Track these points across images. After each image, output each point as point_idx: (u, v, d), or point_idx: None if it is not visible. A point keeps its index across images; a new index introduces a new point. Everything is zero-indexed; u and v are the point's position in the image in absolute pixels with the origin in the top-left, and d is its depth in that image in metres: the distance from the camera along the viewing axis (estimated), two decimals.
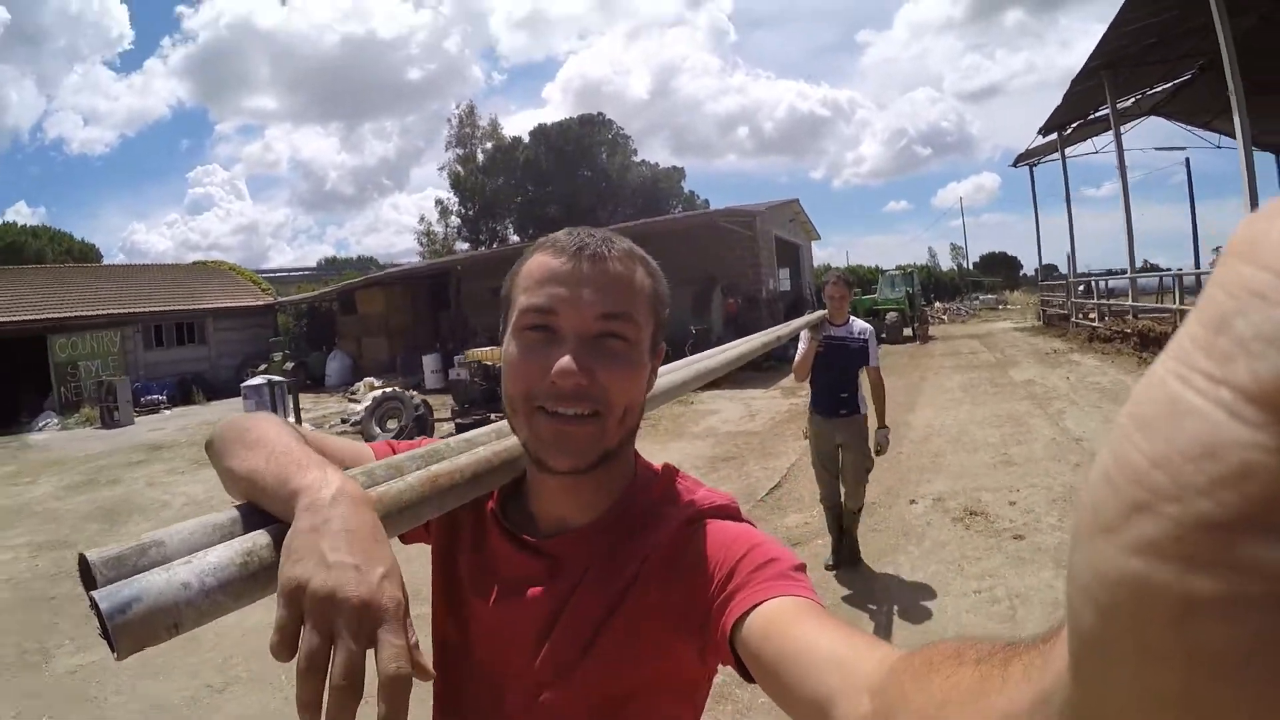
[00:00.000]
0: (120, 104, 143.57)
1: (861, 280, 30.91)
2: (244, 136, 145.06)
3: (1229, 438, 0.15)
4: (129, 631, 0.48)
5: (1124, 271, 14.64)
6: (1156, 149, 20.38)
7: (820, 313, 4.10)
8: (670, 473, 0.83)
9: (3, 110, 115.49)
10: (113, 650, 0.48)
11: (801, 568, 0.68)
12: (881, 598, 3.75)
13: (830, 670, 0.50)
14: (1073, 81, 13.56)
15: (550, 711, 0.75)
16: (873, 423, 4.20)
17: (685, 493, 0.80)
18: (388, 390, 10.81)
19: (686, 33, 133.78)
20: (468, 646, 0.82)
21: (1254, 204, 9.73)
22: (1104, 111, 15.13)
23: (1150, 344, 11.35)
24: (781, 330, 2.79)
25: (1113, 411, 7.25)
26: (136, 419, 16.55)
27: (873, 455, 4.20)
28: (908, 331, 19.54)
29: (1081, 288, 18.44)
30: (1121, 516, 0.17)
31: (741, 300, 17.21)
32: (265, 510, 0.62)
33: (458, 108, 44.39)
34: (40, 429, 16.83)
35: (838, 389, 4.09)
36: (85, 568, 0.52)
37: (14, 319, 19.22)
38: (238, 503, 0.65)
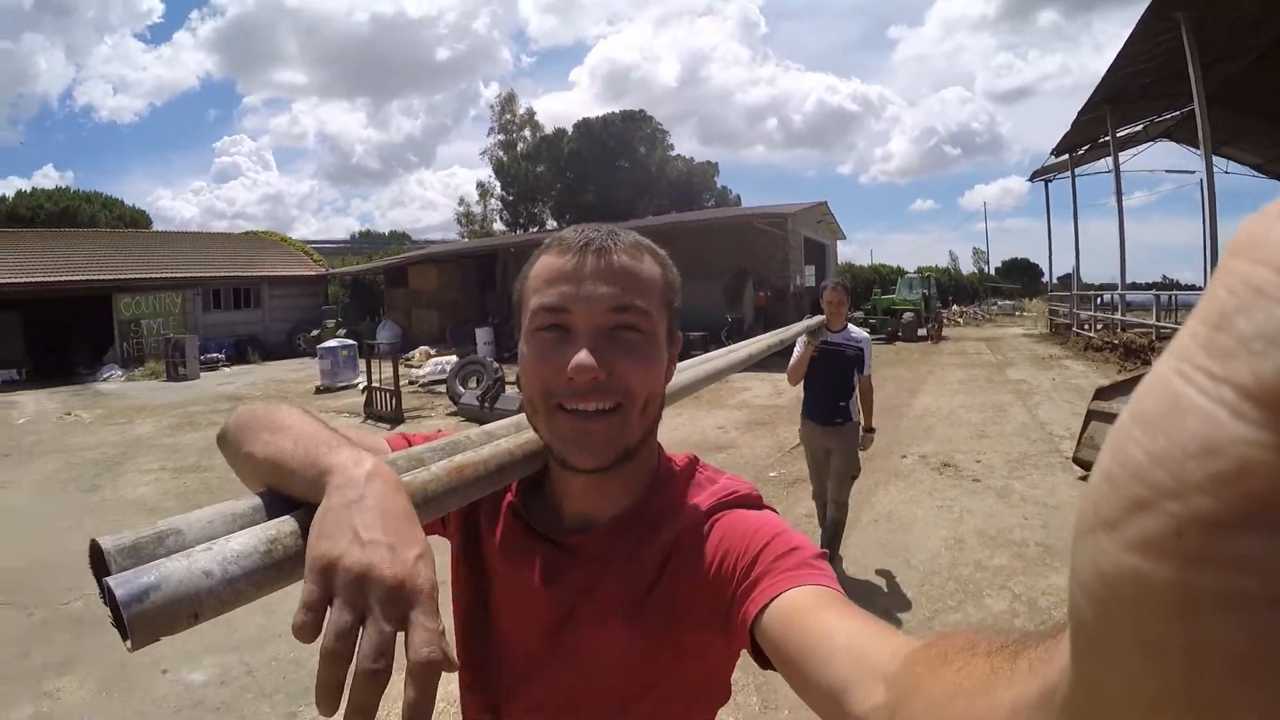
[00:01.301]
0: (149, 74, 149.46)
1: (884, 280, 32.32)
2: (271, 109, 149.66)
3: (1230, 435, 0.15)
4: (146, 621, 0.45)
5: (1140, 286, 16.01)
6: (1167, 171, 21.67)
7: (819, 318, 4.13)
8: (693, 465, 0.84)
9: (33, 78, 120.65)
10: (125, 639, 0.45)
11: (823, 556, 0.69)
12: (872, 512, 5.42)
13: (847, 659, 0.51)
14: (1079, 112, 15.03)
15: (572, 703, 0.77)
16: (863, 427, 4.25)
17: (706, 483, 0.81)
18: (470, 356, 12.54)
19: (716, 22, 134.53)
20: (489, 639, 0.83)
21: (1214, 231, 11.20)
22: (1125, 131, 16.54)
23: (1132, 355, 12.82)
24: (784, 334, 2.85)
25: (1081, 406, 8.86)
26: (201, 374, 18.11)
27: (859, 463, 4.30)
28: (922, 331, 20.98)
29: (1097, 300, 19.67)
30: (1122, 513, 0.17)
31: (771, 293, 18.83)
32: (290, 495, 0.59)
33: (498, 96, 46.19)
34: (105, 379, 18.28)
35: (835, 396, 4.14)
36: (97, 555, 0.50)
37: (83, 278, 20.63)
38: (259, 491, 0.62)
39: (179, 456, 8.43)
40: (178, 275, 22.88)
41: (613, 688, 0.75)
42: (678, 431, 8.39)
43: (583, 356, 0.69)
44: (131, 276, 21.73)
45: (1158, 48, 11.16)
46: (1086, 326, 17.19)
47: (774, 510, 0.78)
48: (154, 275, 22.34)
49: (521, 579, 0.81)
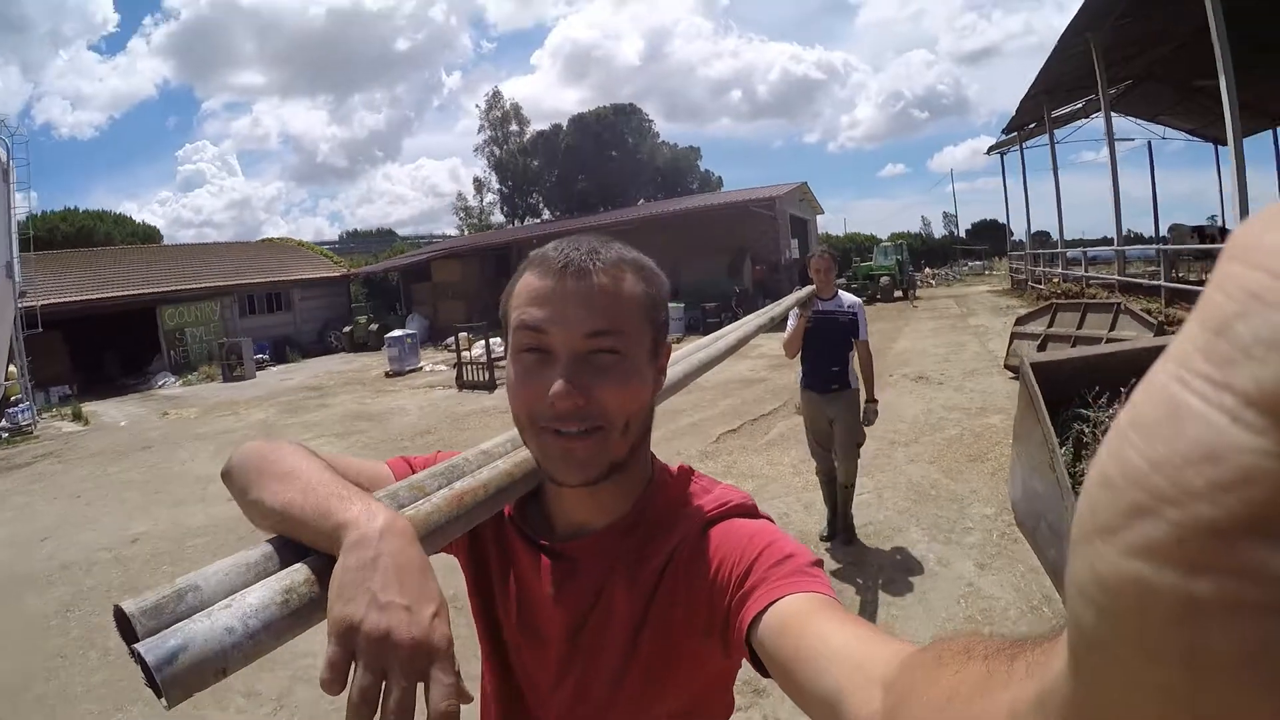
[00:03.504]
0: (106, 86, 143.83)
1: (860, 248, 35.17)
2: (231, 112, 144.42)
3: (1230, 443, 0.15)
4: (178, 681, 0.48)
5: (1101, 241, 18.74)
6: (1118, 139, 24.44)
7: (809, 289, 4.01)
8: (686, 474, 0.85)
9: None
10: (160, 698, 0.49)
11: (818, 563, 0.70)
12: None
13: (842, 666, 0.51)
14: (1021, 100, 17.92)
15: (584, 716, 0.78)
16: (864, 396, 4.26)
17: (701, 493, 0.82)
18: None
19: None
20: (502, 652, 0.86)
21: (1116, 192, 14.01)
22: (1062, 111, 19.37)
23: (1068, 297, 15.70)
24: (774, 310, 2.87)
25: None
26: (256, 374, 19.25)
27: (863, 431, 4.26)
28: (898, 293, 23.85)
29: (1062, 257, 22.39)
30: (1121, 519, 0.17)
31: (765, 267, 21.67)
32: (299, 542, 0.62)
33: (486, 95, 48.44)
34: (161, 386, 19.14)
35: (828, 363, 4.10)
36: (122, 619, 0.52)
37: (129, 293, 21.65)
38: (268, 536, 0.65)
39: (321, 428, 10.30)
40: (216, 284, 24.17)
41: (623, 699, 0.76)
42: (720, 374, 11.16)
43: (559, 387, 0.70)
44: (173, 289, 22.87)
45: (1081, 53, 13.93)
46: (1041, 281, 19.99)
47: (769, 519, 0.79)
48: (194, 286, 23.57)
49: (523, 588, 0.84)
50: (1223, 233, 15.60)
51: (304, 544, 0.62)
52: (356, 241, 54.72)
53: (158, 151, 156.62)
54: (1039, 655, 0.28)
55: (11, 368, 14.48)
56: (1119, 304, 7.90)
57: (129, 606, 0.52)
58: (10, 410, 13.39)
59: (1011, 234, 28.25)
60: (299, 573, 0.58)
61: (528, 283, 0.76)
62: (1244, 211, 8.91)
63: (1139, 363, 3.59)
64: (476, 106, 47.52)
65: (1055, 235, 20.64)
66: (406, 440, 8.91)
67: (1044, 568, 3.68)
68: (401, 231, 58.09)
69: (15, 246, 14.79)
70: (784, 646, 0.59)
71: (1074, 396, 3.67)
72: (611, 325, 0.73)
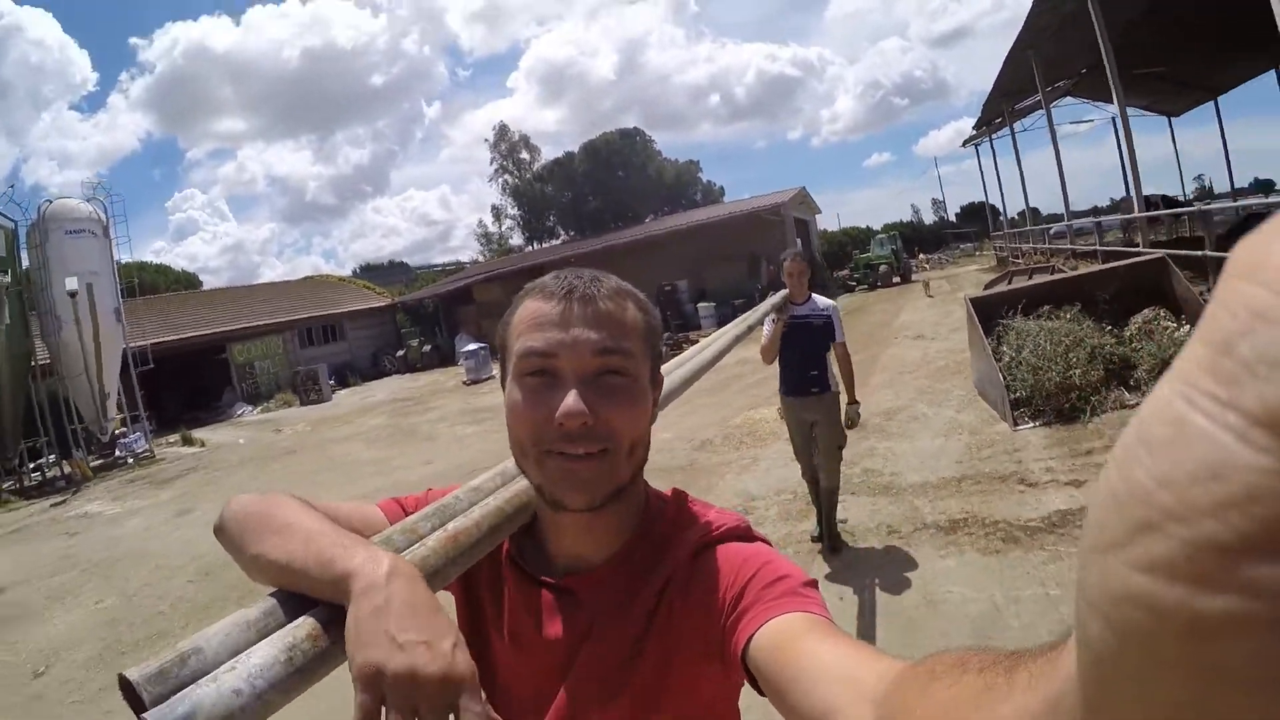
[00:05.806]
0: (91, 143, 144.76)
1: (858, 240, 38.09)
2: (217, 159, 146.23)
3: (1236, 461, 0.15)
4: None
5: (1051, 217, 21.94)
6: (1084, 121, 27.64)
7: (782, 293, 4.05)
8: (679, 498, 0.86)
9: None
10: None
11: (812, 584, 0.71)
12: (887, 354, 11.21)
13: (835, 684, 0.52)
14: (984, 103, 21.14)
15: None
16: (844, 399, 4.25)
17: (696, 517, 0.83)
18: None
19: (647, 7, 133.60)
20: (494, 689, 0.84)
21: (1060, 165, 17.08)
22: (1025, 104, 22.50)
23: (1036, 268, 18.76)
24: (750, 318, 2.90)
25: None
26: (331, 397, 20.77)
27: (845, 432, 4.24)
28: (896, 279, 26.87)
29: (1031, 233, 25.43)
30: (1128, 535, 0.17)
31: (775, 267, 24.66)
32: (302, 594, 0.62)
33: (494, 128, 51.80)
34: (239, 414, 20.74)
35: (806, 367, 4.10)
36: (128, 687, 0.52)
37: (205, 332, 23.51)
38: (269, 591, 0.65)
39: (451, 420, 12.81)
40: (278, 320, 26.31)
41: None
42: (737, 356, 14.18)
43: (571, 402, 0.70)
44: (241, 326, 24.98)
45: (1027, 63, 17.01)
46: (1021, 256, 22.71)
47: (766, 541, 0.80)
48: (260, 323, 25.67)
49: (519, 624, 0.83)
50: (1164, 200, 18.54)
51: (308, 596, 0.62)
52: (372, 274, 57.10)
53: (147, 203, 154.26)
54: (1042, 665, 0.28)
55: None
56: (1052, 265, 10.95)
57: (133, 674, 0.52)
58: (121, 441, 14.90)
59: (999, 215, 31.12)
60: (301, 628, 0.58)
61: (531, 308, 0.76)
62: (1136, 180, 11.91)
63: (1031, 293, 6.73)
64: (486, 140, 50.99)
65: (1039, 212, 23.46)
66: None
67: (991, 408, 6.69)
68: (401, 260, 60.87)
69: (120, 293, 16.12)
70: (776, 665, 0.60)
71: (996, 314, 6.77)
72: (619, 346, 0.74)
